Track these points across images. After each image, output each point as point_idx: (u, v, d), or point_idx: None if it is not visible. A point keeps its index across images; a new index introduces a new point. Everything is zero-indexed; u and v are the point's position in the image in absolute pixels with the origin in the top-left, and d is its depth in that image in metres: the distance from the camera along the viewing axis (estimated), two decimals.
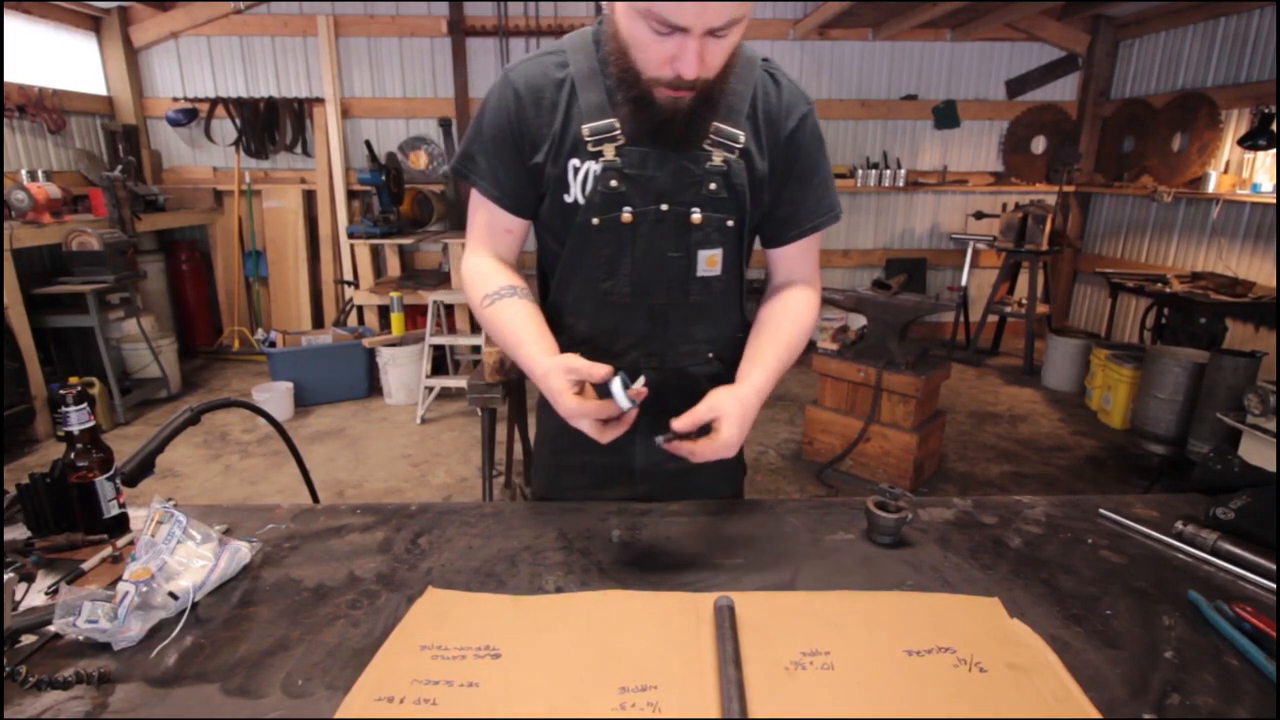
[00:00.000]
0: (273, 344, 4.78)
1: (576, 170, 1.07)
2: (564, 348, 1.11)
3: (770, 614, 0.86)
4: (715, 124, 1.05)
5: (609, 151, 1.05)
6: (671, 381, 1.17)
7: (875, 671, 0.77)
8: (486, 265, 1.15)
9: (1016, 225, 5.24)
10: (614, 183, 1.05)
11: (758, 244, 1.24)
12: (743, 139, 1.07)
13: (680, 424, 0.97)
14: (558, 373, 0.98)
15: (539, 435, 1.33)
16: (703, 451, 0.97)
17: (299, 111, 5.56)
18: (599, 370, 0.96)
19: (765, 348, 1.11)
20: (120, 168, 4.60)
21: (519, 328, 1.07)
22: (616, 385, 0.95)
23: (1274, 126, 3.99)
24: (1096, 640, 0.83)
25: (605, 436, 0.98)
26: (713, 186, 1.07)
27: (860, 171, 5.81)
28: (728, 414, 0.98)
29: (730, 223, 1.11)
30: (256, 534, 1.06)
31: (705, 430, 0.98)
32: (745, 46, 1.10)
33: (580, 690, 0.74)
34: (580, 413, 0.95)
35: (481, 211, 1.16)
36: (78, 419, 1.00)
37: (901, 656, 0.79)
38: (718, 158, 1.06)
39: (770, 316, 1.16)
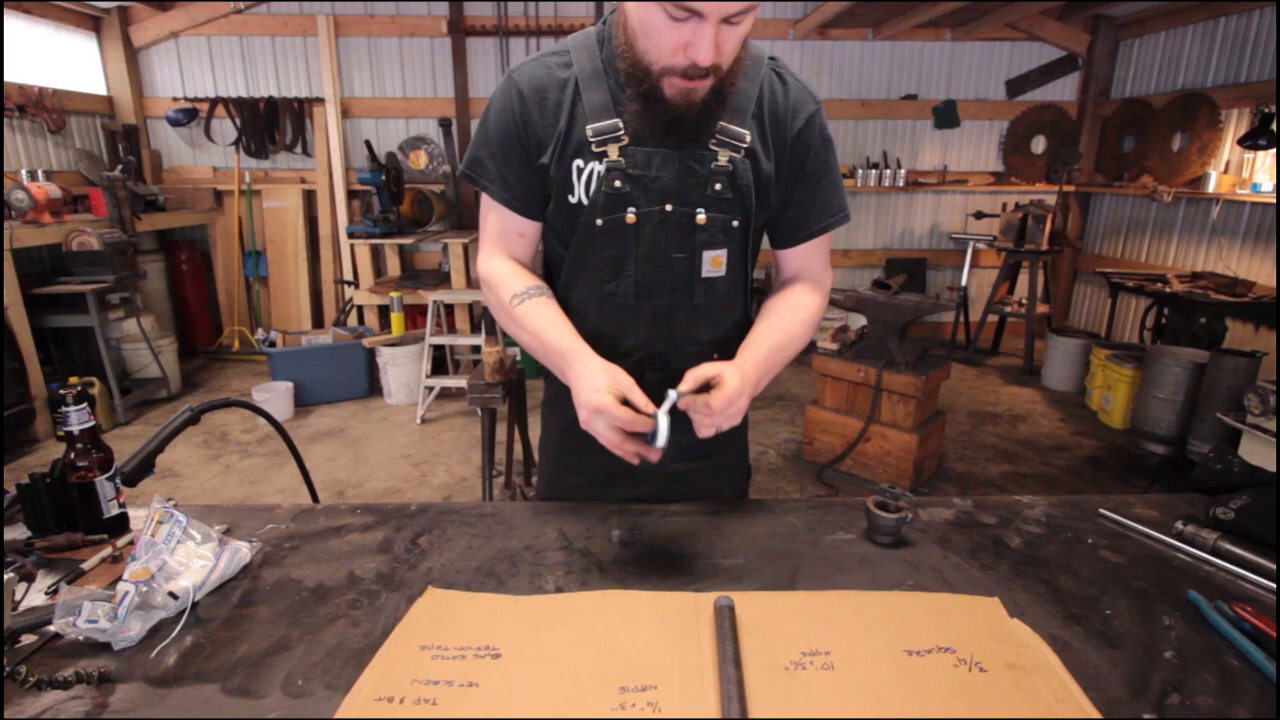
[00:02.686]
0: (273, 344, 4.78)
1: (580, 171, 1.06)
2: None
3: (770, 614, 0.86)
4: (721, 123, 1.05)
5: (613, 152, 1.04)
6: (676, 384, 1.17)
7: (875, 671, 0.77)
8: (508, 267, 1.15)
9: (1016, 225, 5.24)
10: (618, 183, 1.05)
11: (764, 244, 1.23)
12: (749, 138, 1.06)
13: (684, 384, 0.96)
14: (607, 375, 0.96)
15: (543, 435, 1.33)
16: (717, 402, 0.94)
17: (299, 111, 5.56)
18: (653, 407, 0.93)
19: (760, 334, 1.11)
20: (120, 168, 4.60)
21: (554, 323, 1.07)
22: (664, 423, 0.92)
23: (1274, 126, 3.99)
24: (1096, 640, 0.83)
25: (624, 447, 0.95)
26: (718, 187, 1.07)
27: (860, 171, 5.81)
28: (726, 370, 0.97)
29: (735, 223, 1.10)
30: (256, 534, 1.06)
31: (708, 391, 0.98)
32: (752, 44, 1.09)
33: (580, 690, 0.74)
34: (608, 409, 0.92)
35: (493, 215, 1.15)
36: (78, 419, 1.00)
37: (901, 656, 0.79)
38: (723, 157, 1.06)
39: (770, 308, 1.16)
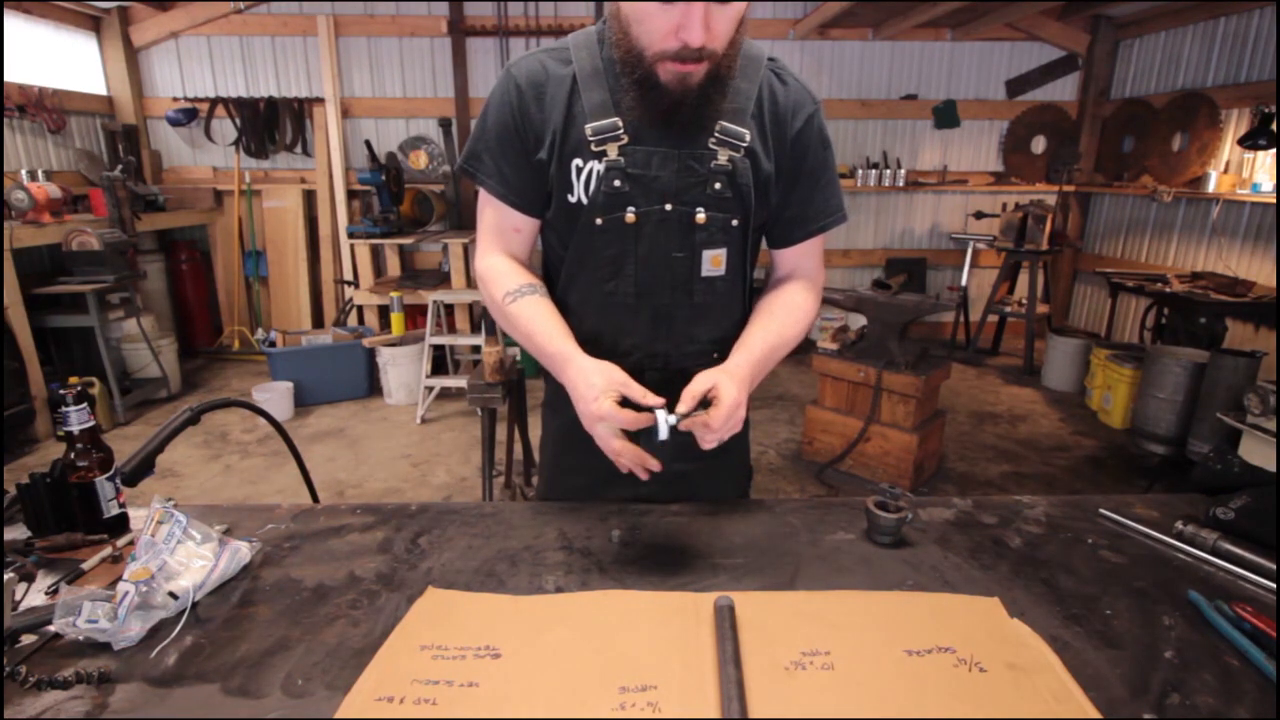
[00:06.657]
0: (273, 344, 4.78)
1: (579, 170, 1.06)
2: None
3: (770, 614, 0.86)
4: (721, 122, 1.05)
5: (612, 151, 1.04)
6: (675, 383, 1.16)
7: (875, 671, 0.77)
8: (503, 264, 1.15)
9: (1016, 225, 5.24)
10: (617, 182, 1.05)
11: (763, 245, 1.23)
12: (748, 138, 1.06)
13: (682, 405, 0.97)
14: (602, 375, 0.97)
15: (544, 435, 1.33)
16: (716, 420, 0.96)
17: (299, 111, 5.56)
18: (652, 398, 0.95)
19: (754, 334, 1.11)
20: (120, 168, 4.60)
21: (545, 323, 1.08)
22: (663, 417, 0.94)
23: (1274, 126, 3.99)
24: (1096, 640, 0.83)
25: (625, 456, 0.98)
26: (717, 186, 1.07)
27: (860, 171, 5.81)
28: (720, 381, 0.99)
29: (735, 222, 1.10)
30: (256, 534, 1.06)
31: (706, 406, 0.99)
32: (751, 44, 1.10)
33: (580, 690, 0.74)
34: (610, 416, 0.95)
35: (490, 210, 1.15)
36: (78, 419, 1.00)
37: (901, 656, 0.79)
38: (723, 156, 1.06)
39: (765, 307, 1.17)
